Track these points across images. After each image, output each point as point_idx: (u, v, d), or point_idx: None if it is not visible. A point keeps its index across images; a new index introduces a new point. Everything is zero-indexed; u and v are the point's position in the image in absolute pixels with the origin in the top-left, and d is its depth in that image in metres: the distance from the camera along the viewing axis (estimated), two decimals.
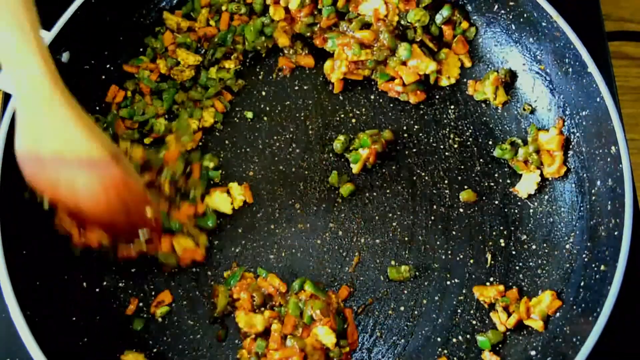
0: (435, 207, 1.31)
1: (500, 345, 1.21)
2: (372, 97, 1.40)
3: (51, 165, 1.04)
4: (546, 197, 1.31)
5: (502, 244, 1.29)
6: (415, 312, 1.24)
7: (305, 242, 1.28)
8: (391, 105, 1.40)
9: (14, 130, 1.16)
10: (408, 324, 1.22)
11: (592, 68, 1.23)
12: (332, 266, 1.27)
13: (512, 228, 1.29)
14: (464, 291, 1.25)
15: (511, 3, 1.34)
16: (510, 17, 1.36)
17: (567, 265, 1.24)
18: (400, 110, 1.39)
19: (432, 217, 1.31)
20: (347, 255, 1.28)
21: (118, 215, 1.11)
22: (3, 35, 0.98)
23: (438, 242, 1.29)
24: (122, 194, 1.08)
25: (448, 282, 1.26)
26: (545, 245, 1.28)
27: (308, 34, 1.41)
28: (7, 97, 1.26)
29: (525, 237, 1.29)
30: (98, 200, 1.07)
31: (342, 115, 1.38)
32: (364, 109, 1.39)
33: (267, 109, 1.39)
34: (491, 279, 1.26)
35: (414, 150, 1.36)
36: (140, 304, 1.24)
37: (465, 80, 1.41)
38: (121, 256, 1.19)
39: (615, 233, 1.13)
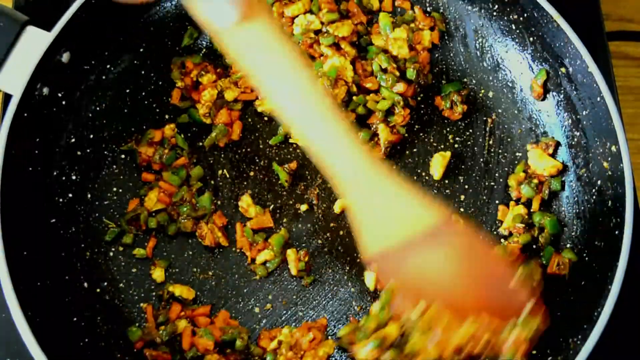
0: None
1: None
2: None
3: (398, 258, 0.93)
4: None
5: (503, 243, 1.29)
6: None
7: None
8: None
9: (14, 130, 1.17)
10: None
11: (592, 68, 1.23)
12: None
13: None
14: None
15: (511, 2, 1.35)
16: (510, 17, 1.36)
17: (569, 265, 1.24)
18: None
19: None
20: (347, 256, 1.28)
21: (487, 291, 0.94)
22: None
23: None
24: (479, 258, 0.95)
25: None
26: None
27: None
28: (7, 97, 1.26)
29: None
30: (459, 273, 0.93)
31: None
32: None
33: None
34: None
35: (414, 150, 1.36)
36: (141, 304, 1.24)
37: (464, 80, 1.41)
38: None
39: (616, 233, 1.13)
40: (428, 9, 1.43)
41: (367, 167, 0.92)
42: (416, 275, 0.93)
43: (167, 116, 1.37)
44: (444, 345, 0.93)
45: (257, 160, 1.35)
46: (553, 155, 1.31)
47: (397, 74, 1.35)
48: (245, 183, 1.33)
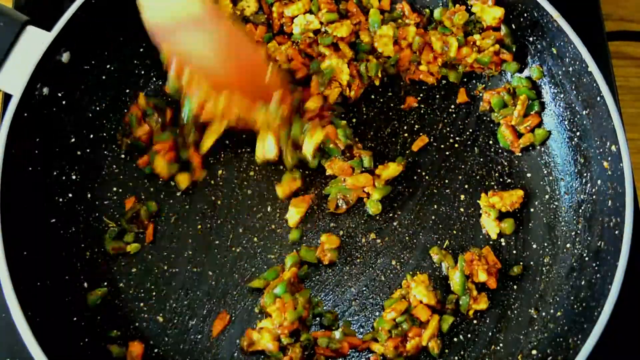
0: (435, 206, 1.31)
1: (501, 345, 1.21)
2: (372, 97, 1.40)
3: (175, 31, 1.13)
4: (547, 196, 1.31)
5: (503, 244, 1.29)
6: None
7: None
8: (391, 105, 1.40)
9: (14, 130, 1.17)
10: None
11: (592, 68, 1.23)
12: (333, 266, 1.27)
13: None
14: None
15: (511, 3, 1.35)
16: (510, 17, 1.36)
17: (568, 264, 1.24)
18: (400, 110, 1.39)
19: (433, 217, 1.31)
20: (348, 255, 1.28)
21: (246, 75, 1.18)
22: None
23: (439, 242, 1.29)
24: (240, 51, 1.17)
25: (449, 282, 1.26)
26: (546, 244, 1.28)
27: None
28: (7, 97, 1.26)
29: (526, 236, 1.29)
30: (223, 60, 1.16)
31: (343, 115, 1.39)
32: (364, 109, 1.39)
33: None
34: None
35: (414, 150, 1.36)
36: (141, 304, 1.24)
37: (464, 80, 1.41)
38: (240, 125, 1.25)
39: (616, 232, 1.13)
40: (417, 6, 1.44)
41: None
42: (185, 50, 1.15)
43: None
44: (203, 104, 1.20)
45: (257, 161, 1.35)
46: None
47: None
48: (245, 183, 1.33)
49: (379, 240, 1.29)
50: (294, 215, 1.29)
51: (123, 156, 1.34)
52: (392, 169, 1.31)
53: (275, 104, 1.21)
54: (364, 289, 1.25)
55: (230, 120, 1.23)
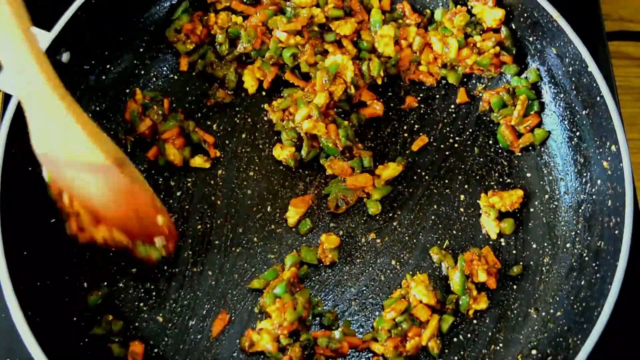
0: (435, 206, 1.31)
1: (500, 345, 1.21)
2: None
3: (65, 166, 1.09)
4: (546, 196, 1.31)
5: (503, 244, 1.29)
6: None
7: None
8: (391, 104, 1.40)
9: (14, 130, 1.17)
10: None
11: (592, 68, 1.23)
12: (333, 266, 1.27)
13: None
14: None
15: (511, 3, 1.35)
16: (510, 17, 1.36)
17: (568, 264, 1.24)
18: (400, 110, 1.39)
19: (433, 217, 1.31)
20: (348, 255, 1.28)
21: (129, 219, 1.14)
22: (2, 42, 0.99)
23: (439, 242, 1.29)
24: (130, 200, 1.12)
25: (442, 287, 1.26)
26: (546, 244, 1.28)
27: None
28: (7, 97, 1.26)
29: (526, 236, 1.29)
30: (108, 202, 1.11)
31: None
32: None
33: None
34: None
35: (414, 150, 1.36)
36: (141, 304, 1.24)
37: (464, 80, 1.41)
38: (139, 257, 1.21)
39: (616, 232, 1.13)
40: (418, 6, 1.44)
41: (52, 87, 1.02)
42: (74, 184, 1.11)
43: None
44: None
45: (257, 160, 1.35)
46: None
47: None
48: (245, 183, 1.33)
49: (378, 240, 1.29)
50: (294, 215, 1.29)
51: None
52: (392, 169, 1.31)
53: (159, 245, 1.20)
54: (364, 288, 1.25)
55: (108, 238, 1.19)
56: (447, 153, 1.36)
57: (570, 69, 1.28)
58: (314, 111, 1.30)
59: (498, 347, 1.21)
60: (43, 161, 1.10)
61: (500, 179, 1.34)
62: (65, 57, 1.27)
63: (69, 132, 1.05)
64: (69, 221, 1.16)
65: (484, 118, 1.38)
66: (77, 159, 1.07)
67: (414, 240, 1.29)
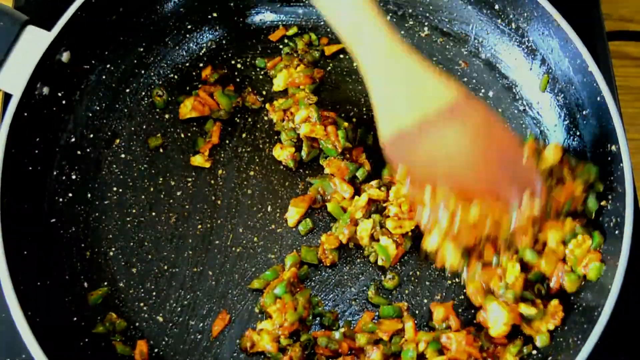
0: None
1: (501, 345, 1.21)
2: None
3: (415, 137, 0.98)
4: None
5: None
6: (417, 312, 1.24)
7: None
8: None
9: (14, 130, 1.17)
10: None
11: (592, 67, 1.23)
12: (333, 265, 1.27)
13: None
14: (464, 291, 1.24)
15: (511, 3, 1.35)
16: (511, 17, 1.36)
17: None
18: None
19: None
20: (348, 256, 1.28)
21: (501, 171, 1.00)
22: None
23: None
24: (493, 135, 0.99)
25: (449, 282, 1.26)
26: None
27: None
28: (7, 97, 1.26)
29: None
30: (474, 156, 0.98)
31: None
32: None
33: None
34: None
35: None
36: (141, 304, 1.24)
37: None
38: None
39: (616, 232, 1.13)
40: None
41: (387, 46, 0.96)
42: (428, 157, 0.98)
43: (167, 116, 1.38)
44: (455, 224, 1.02)
45: (257, 160, 1.35)
46: None
47: None
48: (245, 183, 1.33)
49: None
50: (294, 215, 1.29)
51: (123, 156, 1.34)
52: (375, 194, 1.28)
53: (528, 203, 1.03)
54: (364, 288, 1.25)
55: (480, 235, 1.07)
56: None
57: (571, 68, 1.28)
58: (313, 114, 1.30)
59: (498, 347, 1.21)
60: (391, 148, 0.99)
61: None
62: (65, 56, 1.26)
63: (416, 79, 0.96)
64: (427, 236, 1.04)
65: None
66: (429, 111, 0.95)
67: (414, 240, 1.29)
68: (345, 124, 1.32)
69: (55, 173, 1.27)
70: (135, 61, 1.39)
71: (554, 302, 1.17)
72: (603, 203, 1.20)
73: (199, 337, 1.22)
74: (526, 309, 1.13)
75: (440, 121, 0.96)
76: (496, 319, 1.14)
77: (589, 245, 1.17)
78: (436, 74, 0.97)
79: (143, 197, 1.31)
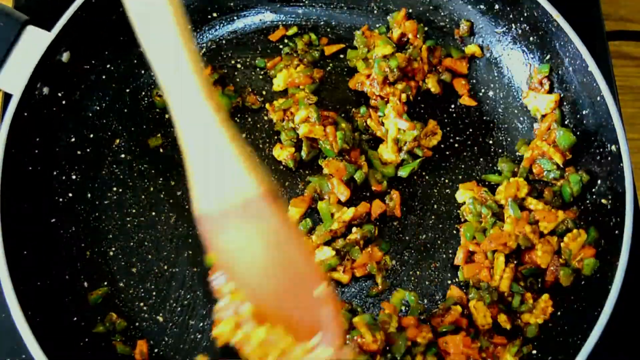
0: (436, 206, 1.31)
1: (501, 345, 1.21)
2: None
3: (220, 219, 0.96)
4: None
5: None
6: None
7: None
8: None
9: (14, 130, 1.17)
10: None
11: (592, 67, 1.23)
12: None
13: None
14: (464, 291, 1.24)
15: (512, 2, 1.35)
16: (511, 16, 1.36)
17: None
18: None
19: (433, 217, 1.31)
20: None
21: (292, 290, 0.94)
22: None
23: (439, 242, 1.29)
24: (283, 238, 0.95)
25: (449, 282, 1.26)
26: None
27: None
28: (7, 97, 1.26)
29: None
30: (262, 244, 0.94)
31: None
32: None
33: None
34: None
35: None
36: (141, 304, 1.24)
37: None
38: None
39: (616, 232, 1.13)
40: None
41: (211, 125, 0.94)
42: (232, 246, 0.95)
43: (167, 116, 1.38)
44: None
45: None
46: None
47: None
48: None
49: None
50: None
51: (123, 156, 1.34)
52: (361, 206, 1.28)
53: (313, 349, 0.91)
54: (364, 289, 1.26)
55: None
56: (447, 153, 1.36)
57: (570, 69, 1.28)
58: (312, 114, 1.30)
59: (497, 348, 1.21)
60: (202, 221, 0.96)
61: None
62: (65, 56, 1.27)
63: (227, 165, 0.94)
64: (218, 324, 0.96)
65: (484, 118, 1.38)
66: (233, 202, 0.94)
67: (415, 240, 1.29)
68: (344, 124, 1.32)
69: (55, 173, 1.27)
70: (135, 61, 1.39)
71: (545, 297, 1.19)
72: (604, 201, 1.20)
73: (199, 337, 1.22)
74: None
75: (237, 212, 0.94)
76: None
77: (584, 240, 1.19)
78: (249, 167, 0.96)
79: (143, 197, 1.31)
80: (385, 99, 1.35)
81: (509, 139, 1.36)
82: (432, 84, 1.38)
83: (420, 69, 1.37)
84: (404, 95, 1.35)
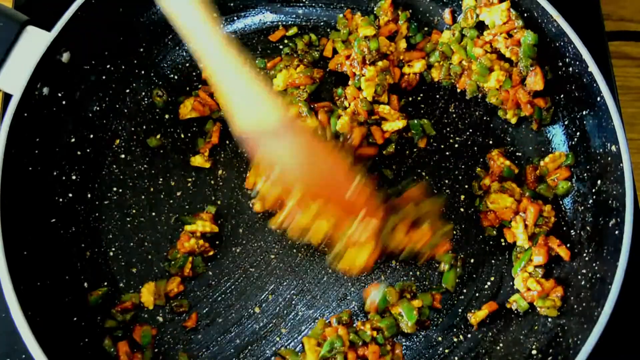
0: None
1: (500, 345, 1.21)
2: None
3: (258, 138, 1.14)
4: None
5: (503, 244, 1.29)
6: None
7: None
8: None
9: (14, 130, 1.17)
10: None
11: (592, 68, 1.23)
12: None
13: None
14: (464, 291, 1.25)
15: (512, 3, 1.34)
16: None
17: (568, 264, 1.24)
18: (400, 110, 1.39)
19: None
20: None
21: (324, 183, 1.15)
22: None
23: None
24: (316, 159, 1.15)
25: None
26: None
27: None
28: (7, 97, 1.26)
29: None
30: (297, 163, 1.15)
31: None
32: None
33: None
34: None
35: (415, 150, 1.36)
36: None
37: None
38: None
39: (616, 232, 1.14)
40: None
41: (239, 64, 1.13)
42: (273, 154, 1.15)
43: (167, 116, 1.38)
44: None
45: None
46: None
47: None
48: (245, 182, 1.33)
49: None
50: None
51: (123, 156, 1.34)
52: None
53: (361, 222, 1.16)
54: (362, 289, 1.26)
55: (317, 238, 1.19)
56: (447, 153, 1.36)
57: (570, 69, 1.28)
58: (303, 108, 1.30)
59: (498, 347, 1.21)
60: (248, 141, 1.15)
61: None
62: (65, 56, 1.27)
63: (259, 95, 1.12)
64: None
65: (484, 118, 1.38)
66: (262, 127, 1.12)
67: None
68: (340, 110, 1.33)
69: (55, 173, 1.27)
70: (135, 61, 1.39)
71: (547, 207, 1.27)
72: (603, 201, 1.21)
73: (199, 337, 1.22)
74: None
75: (269, 136, 1.13)
76: None
77: (562, 162, 1.29)
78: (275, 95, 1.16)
79: (143, 197, 1.31)
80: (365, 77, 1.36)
81: (507, 139, 1.37)
82: (420, 68, 1.39)
83: (400, 52, 1.40)
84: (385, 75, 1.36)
